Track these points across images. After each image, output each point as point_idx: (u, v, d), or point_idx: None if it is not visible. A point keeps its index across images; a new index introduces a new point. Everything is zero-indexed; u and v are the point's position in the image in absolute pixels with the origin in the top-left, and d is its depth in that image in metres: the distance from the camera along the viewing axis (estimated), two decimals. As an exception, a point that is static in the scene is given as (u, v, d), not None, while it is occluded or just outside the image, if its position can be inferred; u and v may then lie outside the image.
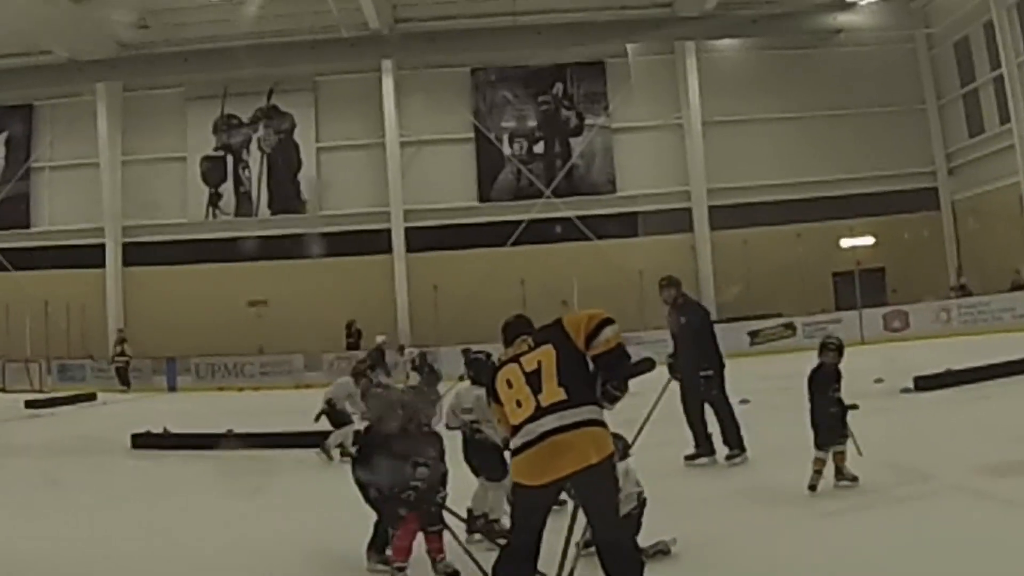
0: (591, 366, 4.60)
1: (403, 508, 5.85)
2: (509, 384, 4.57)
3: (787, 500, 7.19)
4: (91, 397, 24.27)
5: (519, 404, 4.48)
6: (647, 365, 7.72)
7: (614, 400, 4.56)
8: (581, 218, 28.88)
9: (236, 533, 7.46)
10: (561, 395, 4.44)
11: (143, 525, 8.08)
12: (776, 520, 6.64)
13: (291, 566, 6.54)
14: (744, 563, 5.89)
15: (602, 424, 4.48)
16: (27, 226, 30.56)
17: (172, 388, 27.40)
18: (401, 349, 23.42)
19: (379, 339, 22.79)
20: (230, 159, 29.63)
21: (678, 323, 9.75)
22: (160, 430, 13.90)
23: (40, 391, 26.08)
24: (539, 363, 4.53)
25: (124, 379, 27.13)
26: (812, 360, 7.50)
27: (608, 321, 4.59)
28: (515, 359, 4.65)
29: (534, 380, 4.50)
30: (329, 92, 29.49)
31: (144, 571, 6.66)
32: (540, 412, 4.42)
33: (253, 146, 29.58)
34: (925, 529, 6.06)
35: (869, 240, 27.84)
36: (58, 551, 7.18)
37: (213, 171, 29.57)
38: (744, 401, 12.81)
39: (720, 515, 6.98)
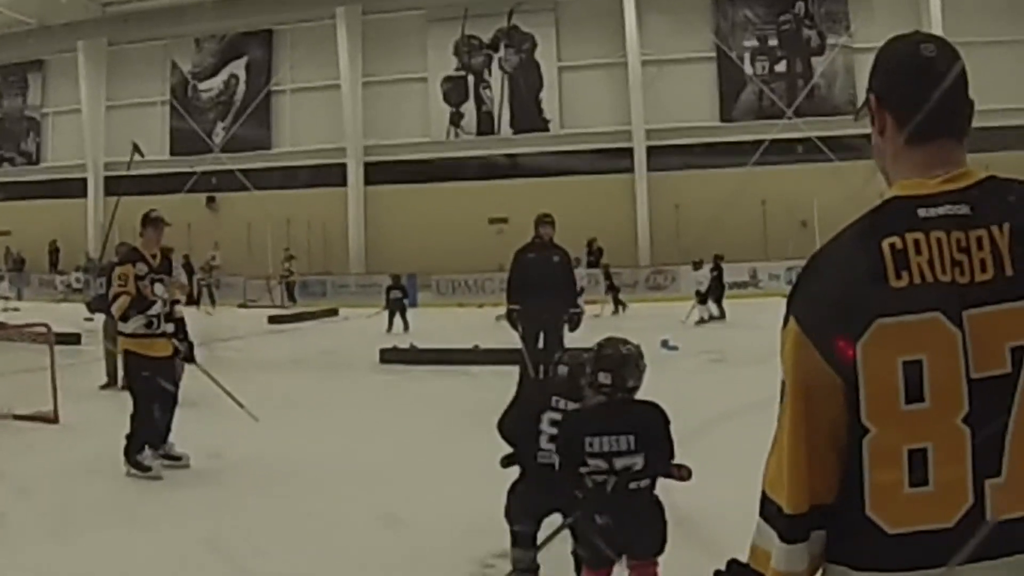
0: None
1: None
2: (915, 377, 1.54)
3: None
4: (333, 313, 26.49)
5: (918, 472, 1.54)
6: None
7: None
8: (822, 138, 29.65)
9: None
10: None
11: (391, 436, 8.52)
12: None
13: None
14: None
15: None
16: (268, 147, 32.68)
17: (412, 304, 28.76)
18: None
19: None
20: (471, 79, 32.34)
21: (549, 261, 10.21)
22: (406, 346, 15.15)
23: (281, 307, 27.64)
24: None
25: (291, 295, 30.31)
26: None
27: None
28: (957, 304, 1.54)
29: (990, 416, 1.52)
30: (570, 12, 31.70)
31: (392, 481, 6.78)
32: (976, 534, 1.51)
33: (494, 66, 32.20)
34: None
35: None
36: (308, 459, 7.67)
37: (454, 91, 32.10)
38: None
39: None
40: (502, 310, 23.44)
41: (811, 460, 1.63)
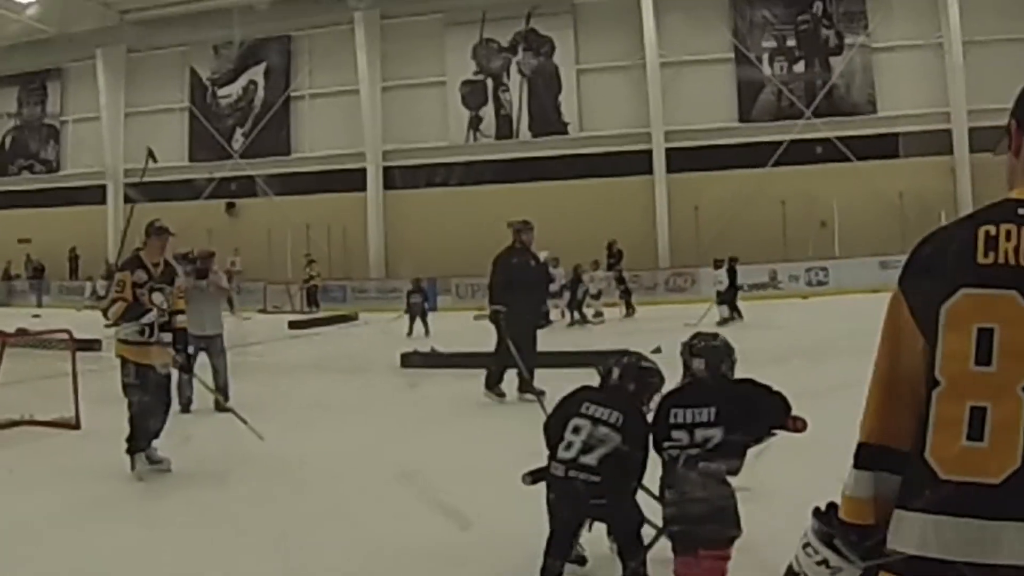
0: None
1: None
2: (986, 343, 1.75)
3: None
4: (353, 317, 26.41)
5: (976, 428, 1.72)
6: None
7: None
8: (841, 139, 29.75)
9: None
10: None
11: (412, 439, 8.68)
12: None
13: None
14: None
15: None
16: (287, 153, 33.00)
17: (432, 308, 28.74)
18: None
19: None
20: (490, 83, 32.52)
21: (529, 266, 10.99)
22: (427, 349, 15.09)
23: (301, 312, 27.62)
24: None
25: (312, 300, 30.47)
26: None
27: None
28: None
29: None
30: (588, 14, 32.13)
31: (413, 484, 6.59)
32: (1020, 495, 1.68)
33: (513, 70, 32.24)
34: None
35: None
36: (329, 462, 7.75)
37: (473, 95, 32.34)
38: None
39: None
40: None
41: (886, 398, 1.90)
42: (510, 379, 10.66)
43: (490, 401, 10.62)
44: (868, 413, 1.93)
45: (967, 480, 1.71)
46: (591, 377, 4.95)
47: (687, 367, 4.44)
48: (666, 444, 4.22)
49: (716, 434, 4.10)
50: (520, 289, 10.59)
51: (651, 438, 4.38)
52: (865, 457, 1.91)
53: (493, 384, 10.64)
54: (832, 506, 1.96)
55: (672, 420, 4.20)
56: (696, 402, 4.19)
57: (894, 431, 1.87)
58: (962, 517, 1.70)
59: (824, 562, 1.91)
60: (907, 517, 1.78)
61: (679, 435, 4.16)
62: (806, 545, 1.95)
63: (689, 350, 4.44)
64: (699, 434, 4.12)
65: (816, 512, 1.97)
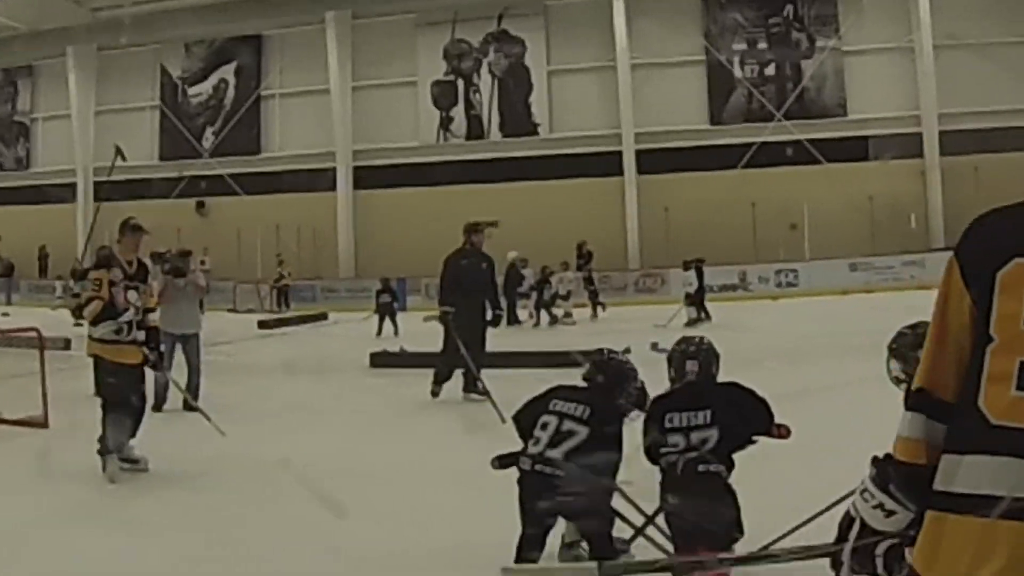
0: None
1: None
2: None
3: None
4: (322, 317, 26.27)
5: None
6: None
7: None
8: (811, 141, 29.98)
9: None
10: None
11: (382, 440, 8.71)
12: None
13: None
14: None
15: None
16: (258, 152, 32.88)
17: (402, 308, 28.61)
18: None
19: None
20: (461, 83, 32.39)
21: (479, 268, 11.12)
22: (396, 349, 15.10)
23: (271, 312, 27.46)
24: None
25: (282, 301, 30.31)
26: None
27: None
28: None
29: None
30: (559, 16, 32.09)
31: (383, 485, 6.68)
32: None
33: (484, 70, 32.20)
34: None
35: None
36: (298, 463, 7.33)
37: (444, 95, 32.33)
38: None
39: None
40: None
41: (937, 351, 2.08)
42: (456, 379, 10.84)
43: (463, 401, 10.66)
44: (923, 362, 2.11)
45: (1016, 426, 1.86)
46: (559, 378, 4.96)
47: (679, 370, 4.53)
48: (663, 450, 4.26)
49: (713, 435, 4.18)
50: (469, 290, 10.78)
51: (644, 446, 4.40)
52: (918, 400, 2.09)
53: (440, 381, 10.83)
54: (889, 456, 2.14)
55: (667, 425, 4.28)
56: (691, 405, 4.29)
57: (942, 381, 2.05)
58: (1011, 457, 1.85)
59: (880, 506, 2.11)
60: (958, 460, 1.93)
61: (675, 439, 4.24)
62: (864, 491, 2.15)
63: (682, 353, 4.56)
64: (695, 437, 4.19)
65: (874, 460, 2.16)
